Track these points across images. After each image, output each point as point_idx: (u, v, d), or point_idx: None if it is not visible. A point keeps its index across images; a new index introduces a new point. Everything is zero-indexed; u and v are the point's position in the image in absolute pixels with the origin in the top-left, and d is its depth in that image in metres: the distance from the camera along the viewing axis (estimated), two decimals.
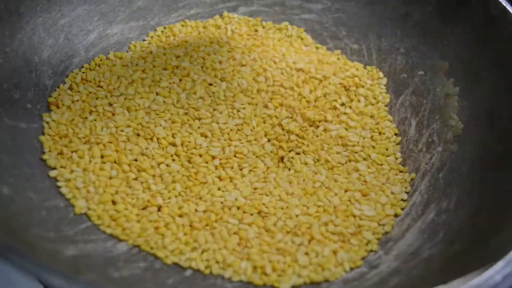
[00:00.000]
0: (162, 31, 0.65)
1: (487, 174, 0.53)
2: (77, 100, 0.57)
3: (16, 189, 0.48)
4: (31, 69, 0.57)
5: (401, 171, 0.56)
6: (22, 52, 0.57)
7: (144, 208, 0.51)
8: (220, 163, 0.54)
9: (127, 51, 0.63)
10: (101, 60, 0.61)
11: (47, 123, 0.55)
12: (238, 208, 0.52)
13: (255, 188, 0.53)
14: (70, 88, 0.58)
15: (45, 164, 0.52)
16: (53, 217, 0.49)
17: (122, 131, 0.55)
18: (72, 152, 0.53)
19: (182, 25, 0.66)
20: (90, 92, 0.58)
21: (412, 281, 0.46)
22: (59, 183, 0.51)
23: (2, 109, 0.53)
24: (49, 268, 0.38)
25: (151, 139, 0.55)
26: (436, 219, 0.52)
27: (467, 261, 0.46)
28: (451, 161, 0.56)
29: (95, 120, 0.56)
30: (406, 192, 0.55)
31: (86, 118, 0.56)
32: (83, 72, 0.60)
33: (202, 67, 0.62)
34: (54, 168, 0.52)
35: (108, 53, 0.62)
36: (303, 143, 0.57)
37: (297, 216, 0.52)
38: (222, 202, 0.52)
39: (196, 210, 0.51)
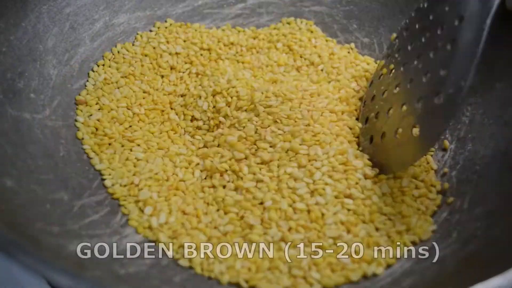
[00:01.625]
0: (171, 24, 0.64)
1: (501, 174, 0.52)
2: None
3: (19, 181, 0.47)
4: (36, 58, 0.56)
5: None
6: (27, 41, 0.55)
7: None
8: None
9: (134, 42, 0.62)
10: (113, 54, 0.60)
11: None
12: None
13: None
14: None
15: (50, 157, 0.51)
16: (57, 210, 0.48)
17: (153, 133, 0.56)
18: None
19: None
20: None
21: (426, 282, 0.45)
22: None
23: (6, 98, 0.52)
24: (54, 265, 0.37)
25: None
26: (449, 218, 0.51)
27: (482, 262, 0.45)
28: (464, 160, 0.55)
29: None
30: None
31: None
32: (105, 72, 0.59)
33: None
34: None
35: (115, 45, 0.61)
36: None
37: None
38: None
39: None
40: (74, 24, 0.59)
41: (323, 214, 0.49)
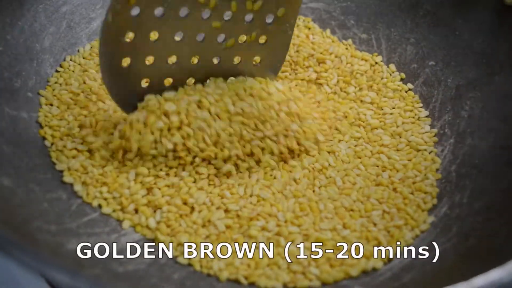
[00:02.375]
0: None
1: (501, 168, 0.52)
2: None
3: (17, 180, 0.47)
4: (32, 57, 0.55)
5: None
6: (23, 40, 0.55)
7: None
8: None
9: None
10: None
11: None
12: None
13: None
14: None
15: (47, 156, 0.51)
16: (55, 209, 0.47)
17: None
18: None
19: None
20: None
21: (426, 277, 0.45)
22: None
23: (3, 98, 0.51)
24: (52, 263, 0.37)
25: None
26: (449, 213, 0.50)
27: (482, 256, 0.45)
28: (464, 154, 0.54)
29: None
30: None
31: None
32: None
33: None
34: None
35: None
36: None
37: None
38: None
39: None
40: (71, 23, 0.59)
41: (316, 202, 0.50)
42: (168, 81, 0.52)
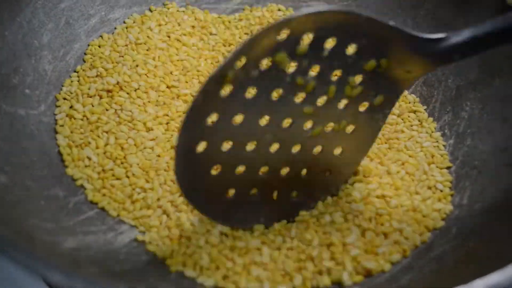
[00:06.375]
0: None
1: (501, 169, 0.52)
2: None
3: (13, 177, 0.47)
4: (30, 53, 0.55)
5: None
6: (21, 36, 0.55)
7: None
8: None
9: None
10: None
11: None
12: None
13: None
14: None
15: (45, 153, 0.51)
16: (52, 207, 0.47)
17: None
18: None
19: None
20: None
21: (425, 279, 0.44)
22: None
23: (0, 94, 0.51)
24: (47, 262, 0.37)
25: None
26: (448, 214, 0.50)
27: (482, 259, 0.45)
28: (463, 155, 0.54)
29: None
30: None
31: None
32: None
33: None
34: None
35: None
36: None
37: None
38: None
39: None
40: (69, 19, 0.59)
41: None
42: (240, 170, 0.45)
